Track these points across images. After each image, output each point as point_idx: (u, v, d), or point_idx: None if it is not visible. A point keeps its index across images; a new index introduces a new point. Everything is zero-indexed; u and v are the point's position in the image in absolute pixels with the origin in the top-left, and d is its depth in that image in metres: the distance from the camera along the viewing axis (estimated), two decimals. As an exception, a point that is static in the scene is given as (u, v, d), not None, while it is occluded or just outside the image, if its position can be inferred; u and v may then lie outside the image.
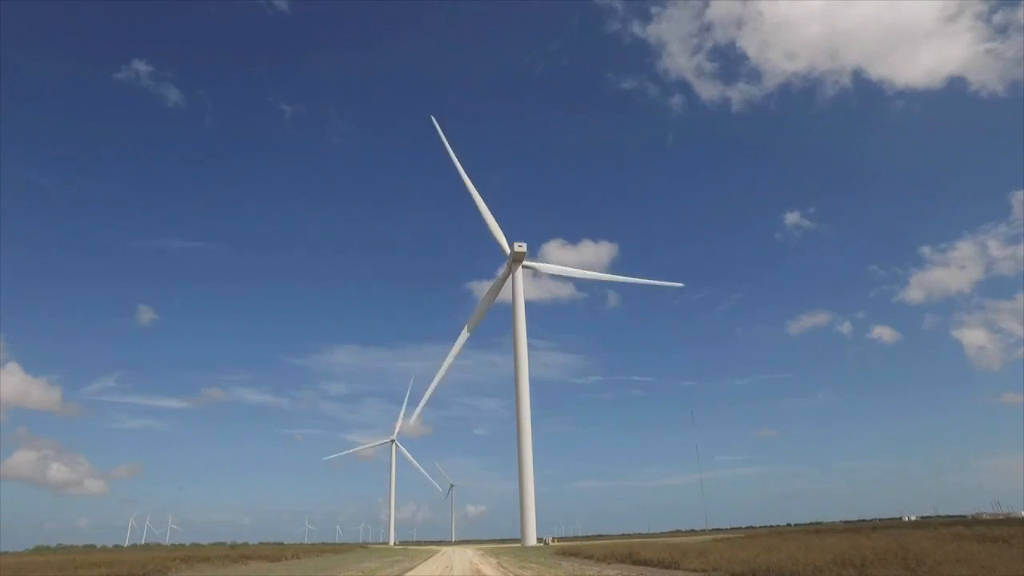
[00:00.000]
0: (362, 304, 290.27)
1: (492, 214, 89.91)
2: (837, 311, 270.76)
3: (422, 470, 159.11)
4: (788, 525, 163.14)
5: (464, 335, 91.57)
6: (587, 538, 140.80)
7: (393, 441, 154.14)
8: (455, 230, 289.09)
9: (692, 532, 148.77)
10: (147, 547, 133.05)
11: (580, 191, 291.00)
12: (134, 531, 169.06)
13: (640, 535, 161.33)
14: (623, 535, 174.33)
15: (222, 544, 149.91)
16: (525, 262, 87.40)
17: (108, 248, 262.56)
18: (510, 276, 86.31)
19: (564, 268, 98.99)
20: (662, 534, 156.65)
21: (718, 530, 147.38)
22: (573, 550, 41.80)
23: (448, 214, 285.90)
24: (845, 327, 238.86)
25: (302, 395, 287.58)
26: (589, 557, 32.54)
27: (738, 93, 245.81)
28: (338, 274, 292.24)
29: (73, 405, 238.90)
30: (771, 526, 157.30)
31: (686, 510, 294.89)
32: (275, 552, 51.03)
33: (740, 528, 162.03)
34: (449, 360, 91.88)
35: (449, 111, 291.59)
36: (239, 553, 45.82)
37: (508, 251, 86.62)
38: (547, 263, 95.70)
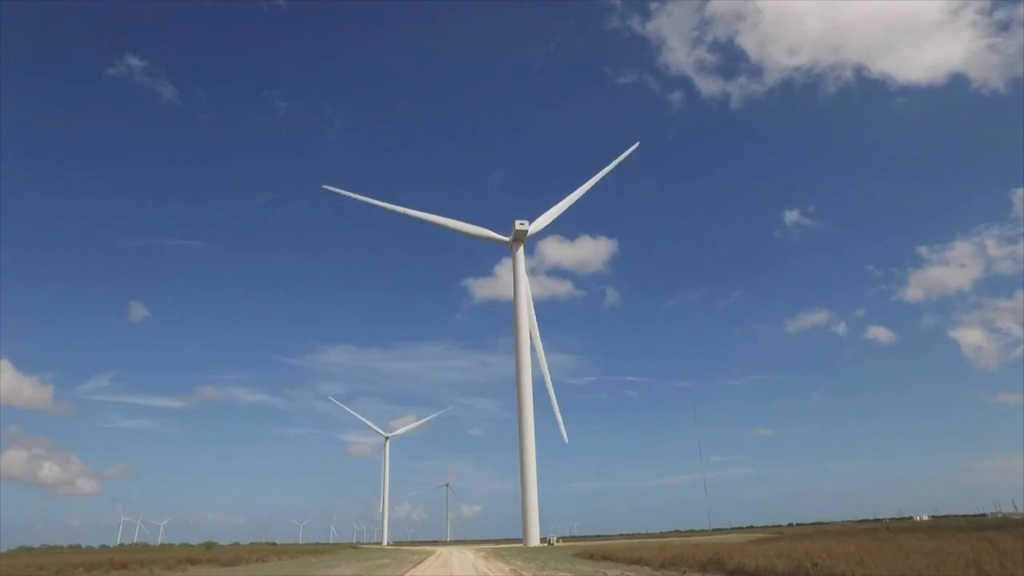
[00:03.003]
0: (358, 304, 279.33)
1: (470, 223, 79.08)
2: (836, 310, 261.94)
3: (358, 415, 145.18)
4: (790, 525, 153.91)
5: (411, 212, 78.17)
6: (585, 538, 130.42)
7: (386, 439, 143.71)
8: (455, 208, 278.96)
9: (692, 532, 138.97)
10: (134, 547, 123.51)
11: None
12: (126, 531, 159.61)
13: (640, 535, 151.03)
14: (623, 535, 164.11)
15: (212, 544, 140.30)
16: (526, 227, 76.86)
17: (101, 246, 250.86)
18: (508, 253, 77.03)
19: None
20: (664, 534, 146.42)
21: (719, 530, 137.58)
22: (599, 552, 31.87)
23: (445, 212, 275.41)
24: (841, 327, 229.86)
25: (297, 395, 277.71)
26: (637, 562, 22.72)
27: (739, 89, 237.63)
28: (333, 273, 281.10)
29: (65, 404, 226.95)
30: (774, 526, 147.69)
31: (683, 510, 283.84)
32: (238, 555, 41.01)
33: (741, 528, 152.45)
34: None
35: (446, 108, 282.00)
36: (187, 556, 35.80)
37: (507, 237, 77.10)
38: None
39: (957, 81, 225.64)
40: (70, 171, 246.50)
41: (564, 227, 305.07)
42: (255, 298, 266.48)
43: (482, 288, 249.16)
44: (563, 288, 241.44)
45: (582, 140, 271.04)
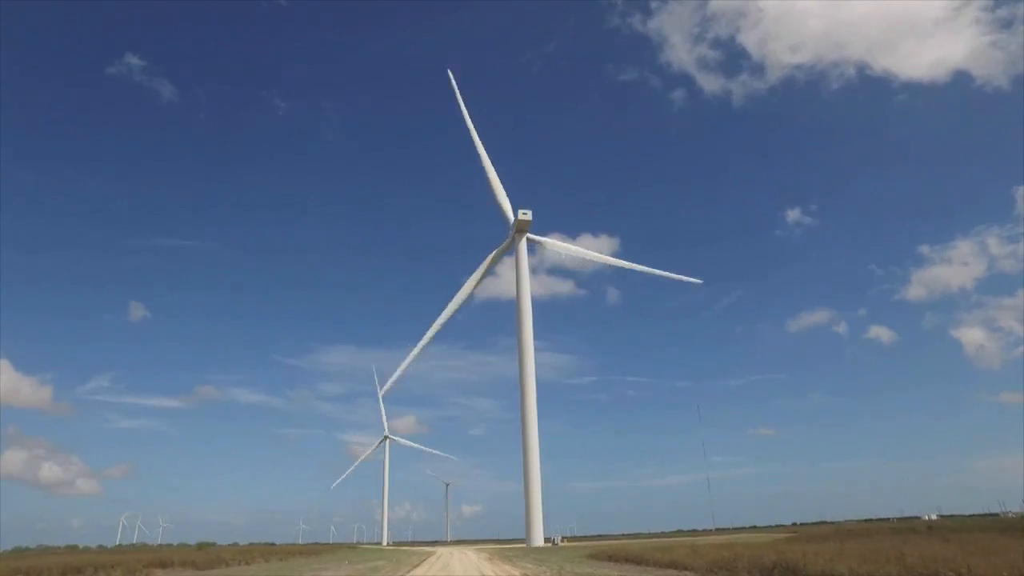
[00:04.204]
0: (358, 304, 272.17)
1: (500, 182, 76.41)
2: (837, 309, 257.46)
3: (423, 448, 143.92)
4: (794, 524, 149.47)
5: (449, 310, 77.63)
6: (587, 538, 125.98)
7: (386, 438, 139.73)
8: (452, 228, 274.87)
9: (696, 532, 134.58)
10: (131, 548, 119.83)
11: (580, 184, 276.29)
12: (126, 531, 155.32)
13: (642, 535, 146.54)
14: (624, 535, 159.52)
15: (208, 544, 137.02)
16: (529, 235, 73.90)
17: (100, 246, 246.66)
18: (511, 251, 72.86)
19: (572, 247, 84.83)
20: (667, 534, 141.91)
21: (723, 529, 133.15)
22: (618, 553, 27.66)
23: (445, 212, 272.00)
24: (842, 327, 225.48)
25: (297, 395, 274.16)
26: (672, 565, 18.66)
27: (740, 87, 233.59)
28: (333, 273, 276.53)
29: (65, 404, 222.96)
30: (777, 526, 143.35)
31: (683, 510, 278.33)
32: (221, 556, 36.80)
33: (745, 528, 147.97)
34: (430, 334, 79.11)
35: (446, 106, 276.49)
36: (159, 558, 31.55)
37: (511, 219, 73.04)
38: (545, 254, 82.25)
39: (960, 78, 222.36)
40: (70, 171, 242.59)
41: (566, 225, 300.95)
42: (254, 298, 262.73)
43: (482, 288, 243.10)
44: (564, 287, 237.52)
45: (583, 137, 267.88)
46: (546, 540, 67.20)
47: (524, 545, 65.16)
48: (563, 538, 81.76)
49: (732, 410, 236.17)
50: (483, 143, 78.04)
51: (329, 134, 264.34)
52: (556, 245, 79.66)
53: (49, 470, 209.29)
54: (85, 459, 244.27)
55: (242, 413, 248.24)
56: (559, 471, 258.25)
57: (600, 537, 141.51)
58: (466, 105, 79.39)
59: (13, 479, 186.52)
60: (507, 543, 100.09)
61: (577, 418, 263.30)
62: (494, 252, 76.05)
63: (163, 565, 28.49)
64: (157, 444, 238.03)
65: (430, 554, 48.50)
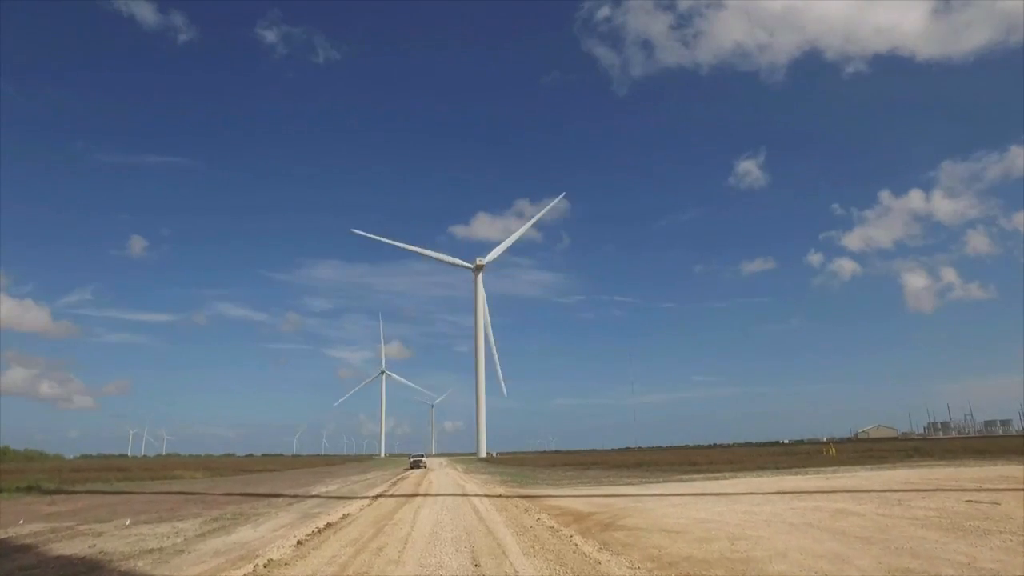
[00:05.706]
0: (346, 219, 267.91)
1: (440, 252, 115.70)
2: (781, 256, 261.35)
3: (413, 385, 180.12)
4: (714, 445, 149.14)
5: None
6: (512, 453, 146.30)
7: (383, 372, 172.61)
8: (439, 150, 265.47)
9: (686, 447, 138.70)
10: (159, 458, 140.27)
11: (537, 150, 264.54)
12: (135, 442, 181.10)
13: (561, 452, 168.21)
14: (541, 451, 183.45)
15: (230, 455, 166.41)
16: (484, 264, 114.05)
17: (80, 161, 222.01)
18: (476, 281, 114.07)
19: (502, 244, 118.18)
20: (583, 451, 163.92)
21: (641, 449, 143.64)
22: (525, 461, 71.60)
23: (431, 138, 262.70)
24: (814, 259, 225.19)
25: (283, 310, 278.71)
26: (523, 463, 62.47)
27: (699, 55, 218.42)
28: (321, 189, 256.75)
29: (62, 323, 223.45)
30: (696, 446, 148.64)
31: (660, 428, 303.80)
32: (290, 463, 67.19)
33: (662, 448, 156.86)
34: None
35: (432, 34, 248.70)
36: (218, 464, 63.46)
37: (470, 266, 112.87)
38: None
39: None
40: (46, 86, 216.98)
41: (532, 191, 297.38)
42: (240, 214, 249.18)
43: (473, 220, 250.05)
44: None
45: (545, 105, 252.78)
46: (488, 454, 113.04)
47: (474, 455, 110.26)
48: (497, 453, 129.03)
49: (712, 332, 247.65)
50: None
51: (320, 54, 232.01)
52: (497, 251, 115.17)
53: (48, 387, 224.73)
54: (81, 376, 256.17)
55: (228, 328, 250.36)
56: (542, 388, 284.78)
57: (521, 452, 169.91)
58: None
59: (16, 395, 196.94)
60: (463, 455, 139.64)
61: (563, 336, 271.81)
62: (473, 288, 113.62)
63: (246, 471, 46.33)
64: (147, 360, 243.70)
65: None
